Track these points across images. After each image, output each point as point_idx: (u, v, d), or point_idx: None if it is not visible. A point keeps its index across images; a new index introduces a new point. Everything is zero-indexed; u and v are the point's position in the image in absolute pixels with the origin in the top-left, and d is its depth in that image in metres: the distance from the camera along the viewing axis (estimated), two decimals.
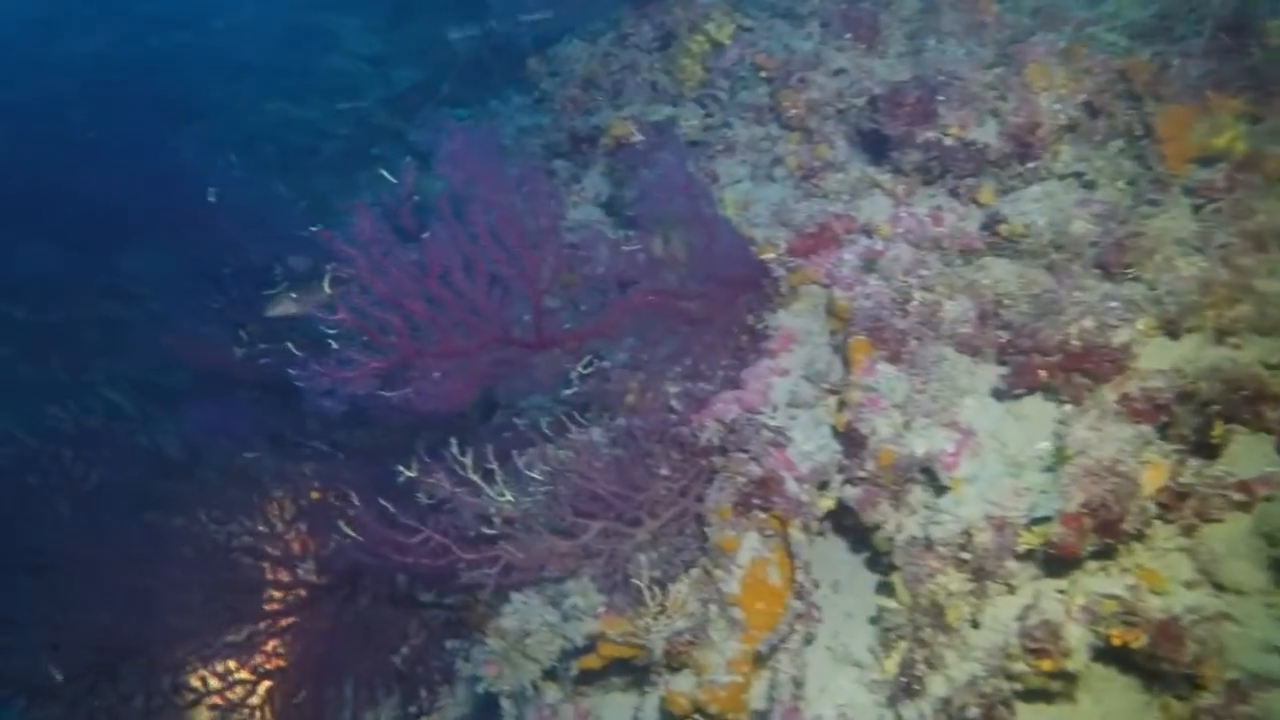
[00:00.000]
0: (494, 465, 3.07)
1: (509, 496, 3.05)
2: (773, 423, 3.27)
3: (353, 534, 2.90)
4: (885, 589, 3.23)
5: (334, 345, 2.83)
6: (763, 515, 3.13)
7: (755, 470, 3.15)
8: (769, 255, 3.62)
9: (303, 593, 3.67)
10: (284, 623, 3.64)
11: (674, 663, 3.13)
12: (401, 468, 2.96)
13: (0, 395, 6.41)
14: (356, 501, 2.85)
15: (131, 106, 8.34)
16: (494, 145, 3.14)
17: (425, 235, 2.95)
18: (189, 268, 4.81)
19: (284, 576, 3.68)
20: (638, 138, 4.19)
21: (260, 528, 3.76)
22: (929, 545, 2.92)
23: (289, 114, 8.15)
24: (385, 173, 2.99)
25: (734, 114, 4.34)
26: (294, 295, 4.08)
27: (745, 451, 3.17)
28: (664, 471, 3.33)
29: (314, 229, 2.88)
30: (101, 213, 7.03)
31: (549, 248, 3.15)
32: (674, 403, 3.49)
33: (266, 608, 3.64)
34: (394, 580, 3.75)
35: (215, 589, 3.71)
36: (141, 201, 5.54)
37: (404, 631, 3.77)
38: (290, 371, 2.85)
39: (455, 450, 3.04)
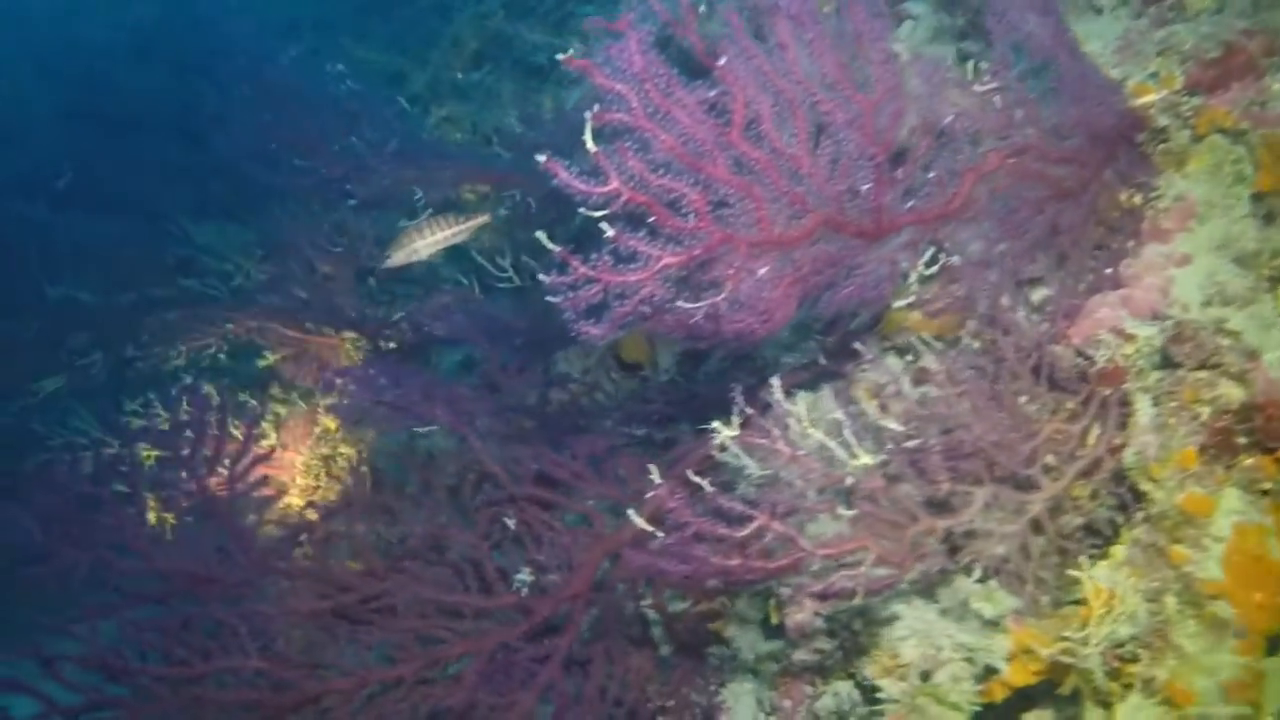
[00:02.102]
0: (839, 414, 2.03)
1: (866, 459, 2.01)
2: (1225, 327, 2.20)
3: (648, 527, 1.87)
4: None
5: (607, 230, 1.80)
6: (1250, 461, 2.07)
7: (1233, 394, 2.08)
8: (1147, 98, 2.53)
9: (519, 614, 2.66)
10: (491, 657, 2.64)
11: (1120, 684, 2.10)
12: (717, 424, 1.93)
13: (72, 391, 5.50)
14: (656, 478, 1.81)
15: (186, 70, 7.39)
16: None
17: (721, 62, 1.91)
18: (298, 206, 3.81)
19: (490, 597, 2.68)
20: None
21: (448, 531, 2.76)
22: None
23: (359, 57, 7.13)
24: None
25: None
26: (422, 236, 3.06)
27: (1212, 367, 2.11)
28: (1049, 409, 2.30)
29: (563, 55, 1.86)
30: (171, 177, 6.13)
31: (885, 85, 2.10)
32: (1038, 311, 2.45)
33: (467, 641, 2.64)
34: (640, 588, 2.73)
35: (389, 613, 2.72)
36: (224, 147, 4.55)
37: (651, 656, 2.76)
38: (542, 278, 1.83)
39: (779, 392, 2.01)
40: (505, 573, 2.72)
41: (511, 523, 2.66)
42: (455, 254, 3.68)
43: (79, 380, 5.54)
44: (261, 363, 5.79)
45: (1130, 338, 2.33)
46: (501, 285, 3.62)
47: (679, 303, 1.87)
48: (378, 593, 2.69)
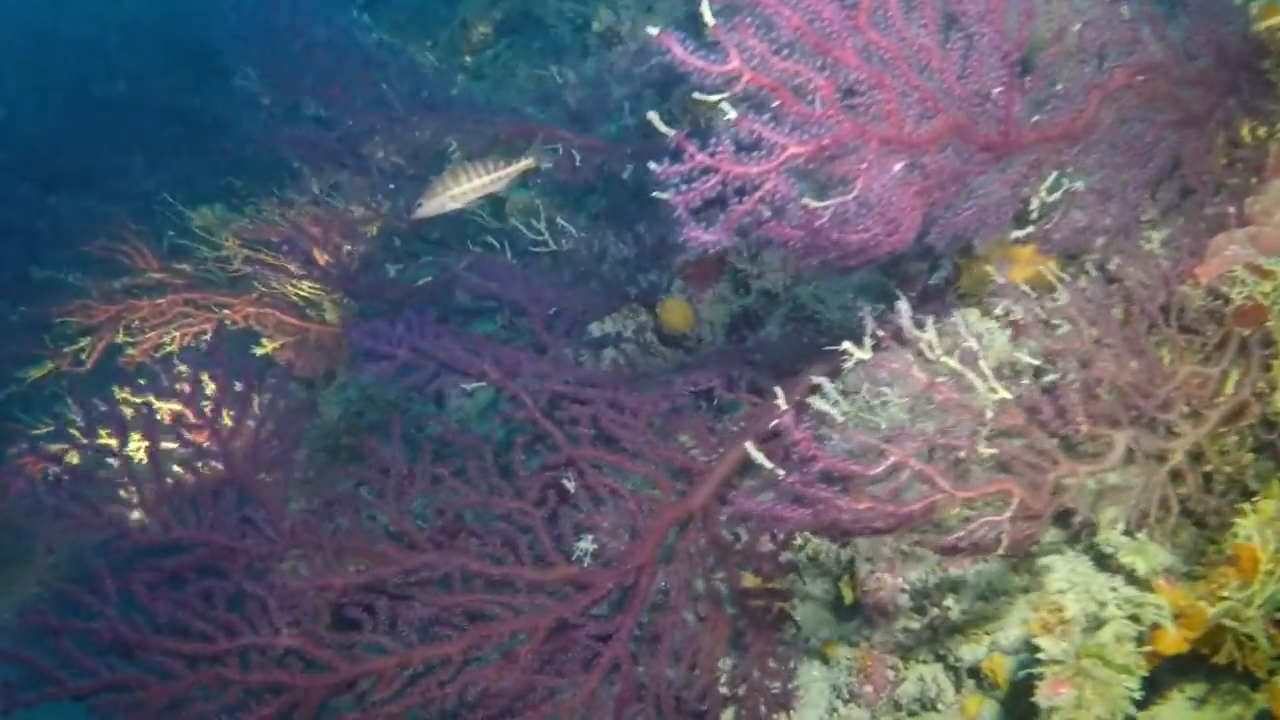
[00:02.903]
0: (972, 343, 1.79)
1: (1003, 392, 1.77)
2: None
3: (767, 462, 1.62)
4: None
5: (729, 112, 1.55)
6: None
7: None
8: (1275, 20, 2.33)
9: (578, 588, 2.39)
10: (548, 635, 2.37)
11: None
12: (849, 345, 1.68)
13: (59, 378, 5.18)
14: (781, 402, 1.57)
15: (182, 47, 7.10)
16: None
17: None
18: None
19: (545, 569, 2.41)
20: None
21: (496, 498, 2.50)
22: None
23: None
24: None
25: None
26: (458, 182, 2.82)
27: None
28: (1181, 350, 2.07)
29: None
30: (165, 156, 5.86)
31: None
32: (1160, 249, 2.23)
33: (521, 618, 2.37)
34: (710, 559, 2.47)
35: (432, 588, 2.45)
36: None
37: (724, 635, 2.50)
38: (652, 167, 1.58)
39: (907, 317, 1.77)
40: (562, 542, 2.45)
41: (571, 485, 2.39)
42: (476, 217, 3.42)
43: (66, 367, 5.22)
44: (259, 350, 5.50)
45: (1268, 274, 2.11)
46: (536, 249, 3.38)
47: (805, 200, 1.62)
48: (418, 565, 2.41)
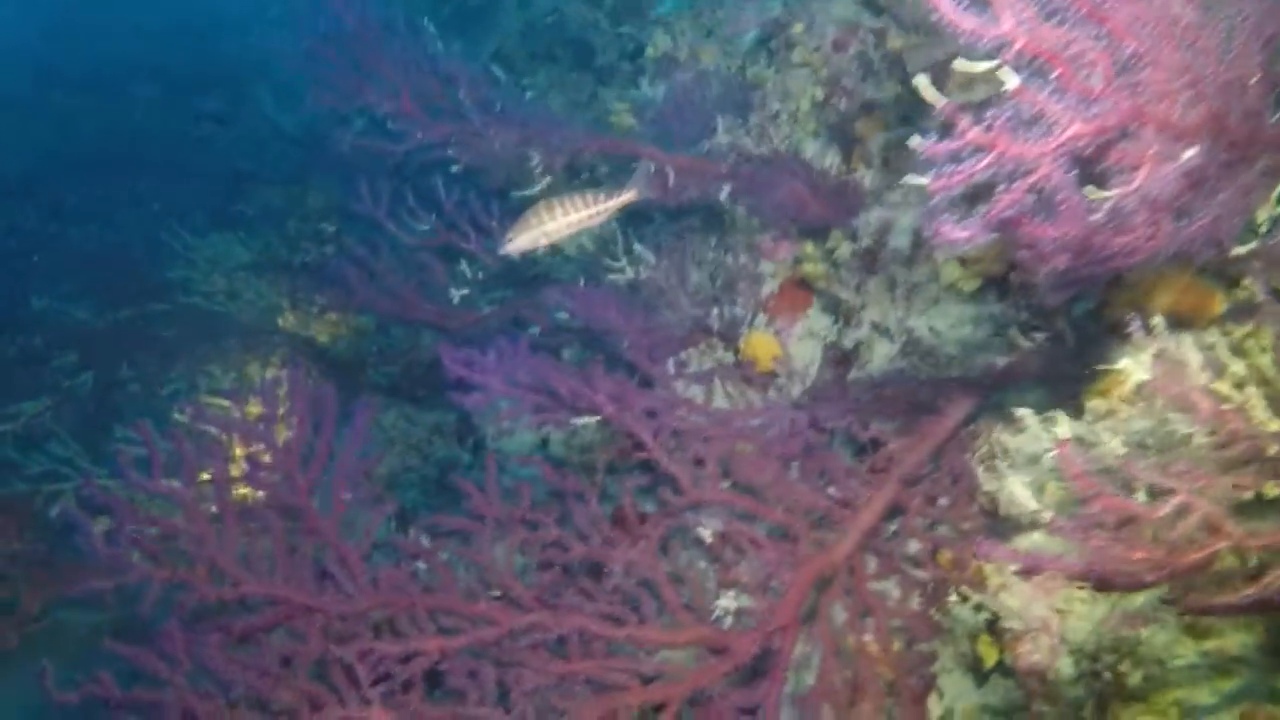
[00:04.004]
0: (1239, 367, 1.53)
1: (1276, 425, 1.51)
2: None
3: (1034, 509, 1.34)
4: None
5: (1008, 85, 1.30)
6: None
7: None
8: None
9: (714, 653, 2.07)
10: (687, 706, 2.05)
11: None
12: (1128, 363, 1.41)
13: (57, 415, 4.80)
14: (1062, 432, 1.30)
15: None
16: None
17: None
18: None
19: (676, 630, 2.09)
20: None
21: (611, 550, 2.18)
22: None
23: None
24: None
25: None
26: (553, 215, 2.54)
27: None
28: None
29: None
30: (174, 185, 5.55)
31: None
32: None
33: (652, 687, 2.05)
34: (859, 618, 2.16)
35: (543, 652, 2.12)
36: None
37: (878, 707, 2.18)
38: (913, 142, 1.31)
39: (1164, 330, 1.50)
40: (690, 599, 2.14)
41: (706, 533, 2.09)
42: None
43: (65, 403, 4.83)
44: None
45: None
46: (613, 276, 3.11)
47: (1085, 190, 1.36)
48: (526, 626, 2.08)
